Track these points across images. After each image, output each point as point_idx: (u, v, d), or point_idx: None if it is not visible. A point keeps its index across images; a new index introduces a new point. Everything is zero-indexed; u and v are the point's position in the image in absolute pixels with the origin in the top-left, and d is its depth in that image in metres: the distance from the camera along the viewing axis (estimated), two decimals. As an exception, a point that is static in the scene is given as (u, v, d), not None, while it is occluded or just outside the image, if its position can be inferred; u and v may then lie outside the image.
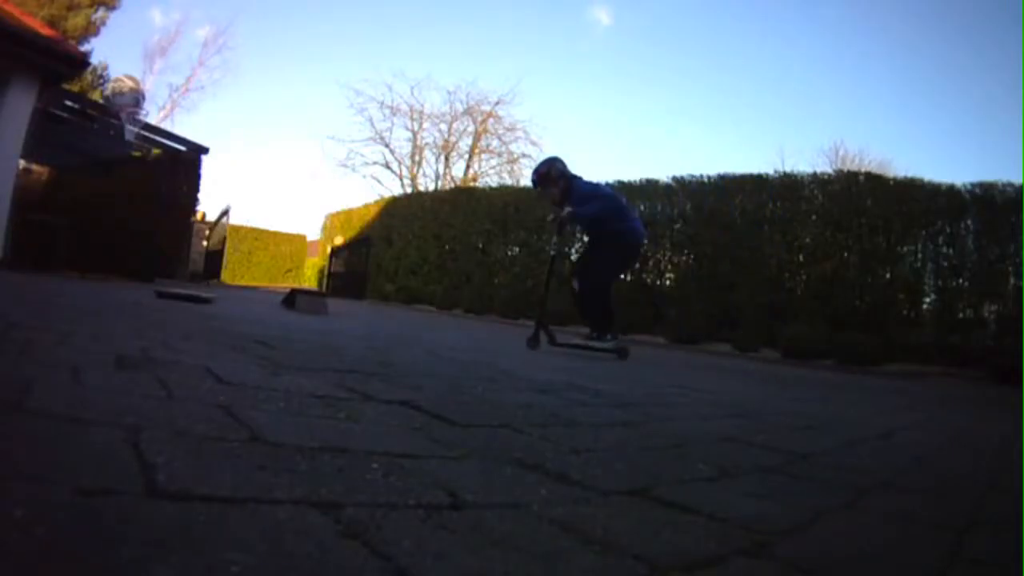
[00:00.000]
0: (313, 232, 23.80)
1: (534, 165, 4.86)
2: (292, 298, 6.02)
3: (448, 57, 37.79)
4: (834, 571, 0.70)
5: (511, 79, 38.18)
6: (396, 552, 0.57)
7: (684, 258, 11.17)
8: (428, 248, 15.32)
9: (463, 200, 15.02)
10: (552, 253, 4.84)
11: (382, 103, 25.67)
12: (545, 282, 4.87)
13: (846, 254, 9.63)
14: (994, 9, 30.81)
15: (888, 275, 9.32)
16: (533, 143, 24.45)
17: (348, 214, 19.71)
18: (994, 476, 1.52)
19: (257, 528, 0.58)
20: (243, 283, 18.90)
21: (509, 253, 13.64)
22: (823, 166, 23.52)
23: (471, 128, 25.13)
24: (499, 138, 24.83)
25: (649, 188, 11.68)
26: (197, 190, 10.84)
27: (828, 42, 38.62)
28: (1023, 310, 7.84)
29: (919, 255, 9.15)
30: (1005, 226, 8.41)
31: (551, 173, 4.52)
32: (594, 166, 49.33)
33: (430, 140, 25.85)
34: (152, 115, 13.65)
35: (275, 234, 23.30)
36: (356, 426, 1.12)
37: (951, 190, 8.99)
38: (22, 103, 7.36)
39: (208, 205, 19.27)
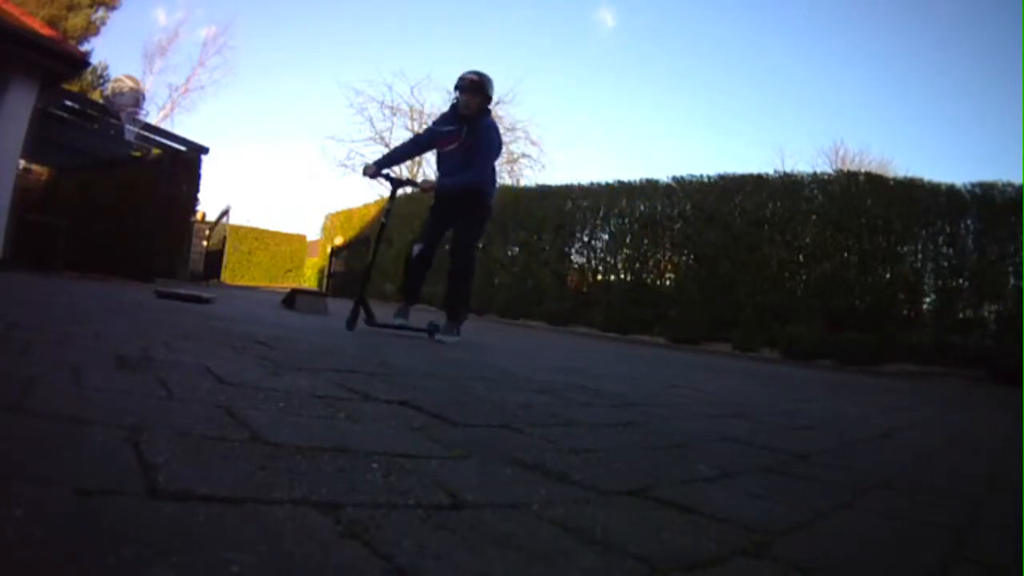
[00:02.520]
0: (313, 232, 23.81)
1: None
2: (292, 298, 6.02)
3: (448, 57, 37.75)
4: (834, 571, 0.70)
5: (511, 79, 38.14)
6: (396, 552, 0.57)
7: (684, 258, 11.18)
8: (428, 248, 15.32)
9: (463, 200, 15.02)
10: (383, 221, 4.39)
11: (382, 103, 25.63)
12: (371, 255, 4.51)
13: (846, 254, 9.64)
14: (994, 9, 30.85)
15: (888, 275, 9.33)
16: (533, 143, 24.42)
17: (348, 214, 19.72)
18: (994, 476, 1.53)
19: (257, 528, 0.58)
20: (243, 283, 18.91)
21: (509, 253, 13.65)
22: (823, 166, 23.56)
23: (471, 128, 25.06)
24: (499, 138, 24.81)
25: (649, 188, 11.69)
26: (197, 190, 10.84)
27: (828, 42, 38.67)
28: (1023, 310, 7.84)
29: (919, 255, 9.17)
30: (1005, 226, 8.42)
31: (486, 89, 4.04)
32: (594, 166, 49.34)
33: (429, 140, 25.79)
34: (152, 115, 13.66)
35: (275, 234, 23.30)
36: (356, 426, 1.12)
37: (951, 190, 9.00)
38: (22, 103, 7.36)
39: (208, 205, 19.32)
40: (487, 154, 4.09)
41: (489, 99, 4.11)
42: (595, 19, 39.07)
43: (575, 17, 39.80)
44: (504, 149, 24.00)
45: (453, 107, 4.09)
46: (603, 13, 39.93)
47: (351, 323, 3.86)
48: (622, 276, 11.77)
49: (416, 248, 4.16)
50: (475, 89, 4.02)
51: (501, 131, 4.14)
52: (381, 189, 26.53)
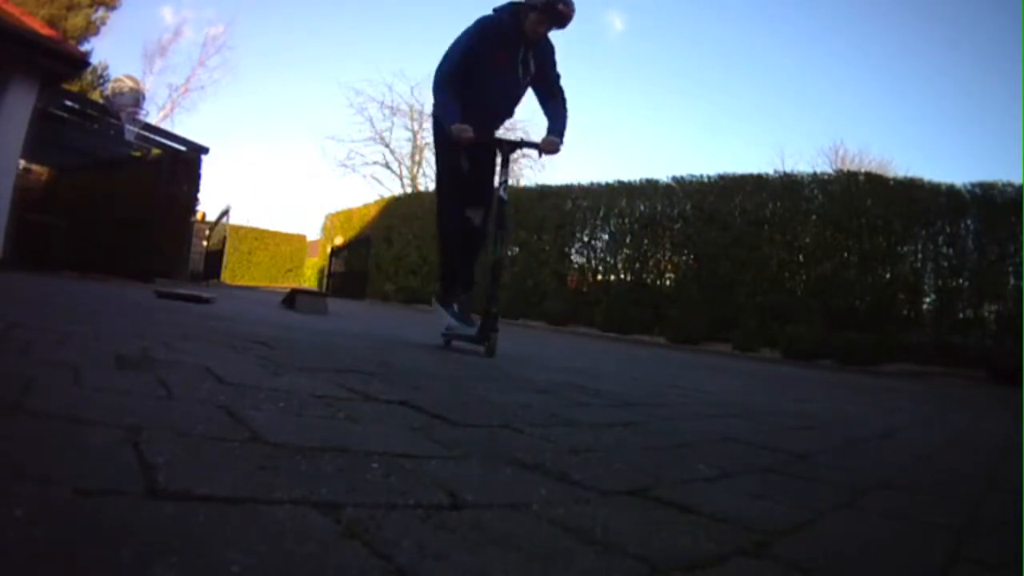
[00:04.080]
0: (313, 232, 23.84)
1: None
2: (292, 298, 6.03)
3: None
4: (834, 571, 0.70)
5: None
6: (396, 552, 0.57)
7: (684, 258, 11.18)
8: (428, 248, 15.33)
9: (463, 200, 15.00)
10: (503, 197, 3.13)
11: (382, 103, 25.72)
12: (502, 249, 3.13)
13: (846, 254, 9.64)
14: (994, 9, 30.87)
15: (888, 275, 9.33)
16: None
17: (348, 214, 19.73)
18: (994, 476, 1.52)
19: (257, 528, 0.58)
20: (243, 283, 18.91)
21: (509, 253, 13.63)
22: (823, 166, 23.59)
23: (471, 128, 25.00)
24: (499, 138, 24.76)
25: (649, 188, 11.69)
26: (197, 190, 10.85)
27: (828, 42, 38.70)
28: (1023, 310, 7.84)
29: (919, 255, 9.16)
30: (1005, 226, 8.42)
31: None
32: (594, 166, 49.38)
33: (430, 140, 25.78)
34: (152, 115, 13.67)
35: (275, 234, 23.32)
36: (356, 426, 1.12)
37: (951, 190, 9.00)
38: (22, 103, 7.37)
39: (208, 205, 19.34)
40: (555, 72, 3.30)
41: None
42: (603, 22, 39.10)
43: (583, 19, 39.89)
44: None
45: (511, 13, 3.09)
46: (612, 16, 40.01)
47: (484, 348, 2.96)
48: (622, 276, 11.77)
49: (478, 216, 3.17)
50: (563, 25, 3.11)
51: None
52: (381, 189, 26.56)
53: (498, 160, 3.22)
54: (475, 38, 3.10)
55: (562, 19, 3.07)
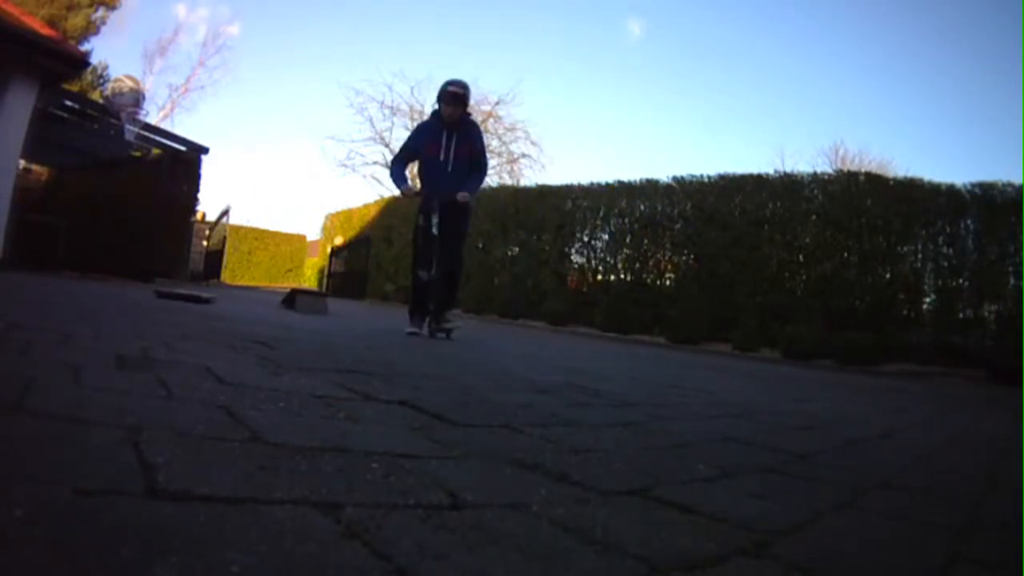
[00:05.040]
0: (313, 232, 23.83)
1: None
2: (292, 298, 6.02)
3: (448, 57, 37.77)
4: (834, 571, 0.70)
5: (511, 79, 38.03)
6: (396, 552, 0.57)
7: (684, 258, 11.17)
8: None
9: (463, 200, 14.97)
10: (433, 231, 4.20)
11: (382, 103, 25.66)
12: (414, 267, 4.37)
13: (846, 254, 9.64)
14: (994, 9, 30.89)
15: (888, 275, 9.32)
16: (533, 143, 24.37)
17: (348, 214, 19.72)
18: (994, 476, 1.53)
19: (257, 528, 0.58)
20: (243, 283, 18.91)
21: (509, 253, 13.63)
22: (823, 166, 23.52)
23: (471, 128, 25.04)
24: (499, 138, 24.74)
25: (649, 188, 11.68)
26: (197, 190, 10.84)
27: (828, 42, 38.69)
28: (1023, 310, 7.83)
29: (919, 255, 9.16)
30: (1005, 226, 8.41)
31: (468, 100, 4.30)
32: (594, 165, 49.43)
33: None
34: (152, 115, 13.67)
35: (275, 234, 23.30)
36: (356, 426, 1.12)
37: (951, 190, 8.99)
38: (22, 103, 7.36)
39: (208, 205, 19.33)
40: (484, 150, 4.40)
41: (468, 104, 4.40)
42: (605, 22, 39.03)
43: (588, 20, 39.89)
44: (504, 149, 23.64)
45: (436, 114, 4.28)
46: (616, 18, 39.98)
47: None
48: (622, 276, 11.76)
49: (424, 276, 4.22)
50: (460, 101, 4.21)
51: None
52: (381, 189, 26.54)
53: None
54: (413, 137, 4.44)
55: (457, 97, 4.16)
